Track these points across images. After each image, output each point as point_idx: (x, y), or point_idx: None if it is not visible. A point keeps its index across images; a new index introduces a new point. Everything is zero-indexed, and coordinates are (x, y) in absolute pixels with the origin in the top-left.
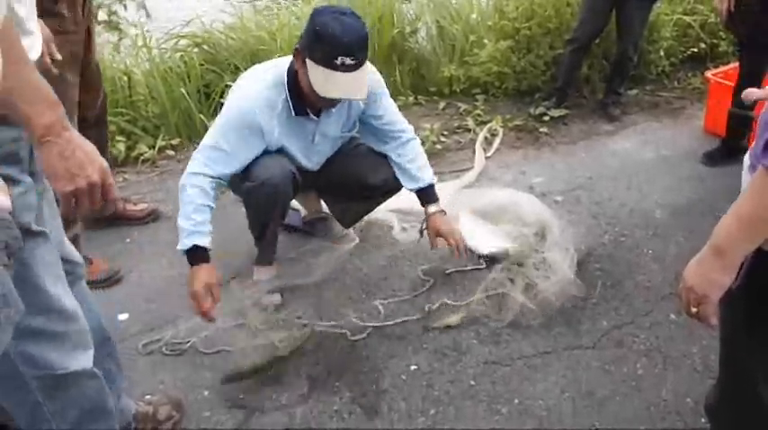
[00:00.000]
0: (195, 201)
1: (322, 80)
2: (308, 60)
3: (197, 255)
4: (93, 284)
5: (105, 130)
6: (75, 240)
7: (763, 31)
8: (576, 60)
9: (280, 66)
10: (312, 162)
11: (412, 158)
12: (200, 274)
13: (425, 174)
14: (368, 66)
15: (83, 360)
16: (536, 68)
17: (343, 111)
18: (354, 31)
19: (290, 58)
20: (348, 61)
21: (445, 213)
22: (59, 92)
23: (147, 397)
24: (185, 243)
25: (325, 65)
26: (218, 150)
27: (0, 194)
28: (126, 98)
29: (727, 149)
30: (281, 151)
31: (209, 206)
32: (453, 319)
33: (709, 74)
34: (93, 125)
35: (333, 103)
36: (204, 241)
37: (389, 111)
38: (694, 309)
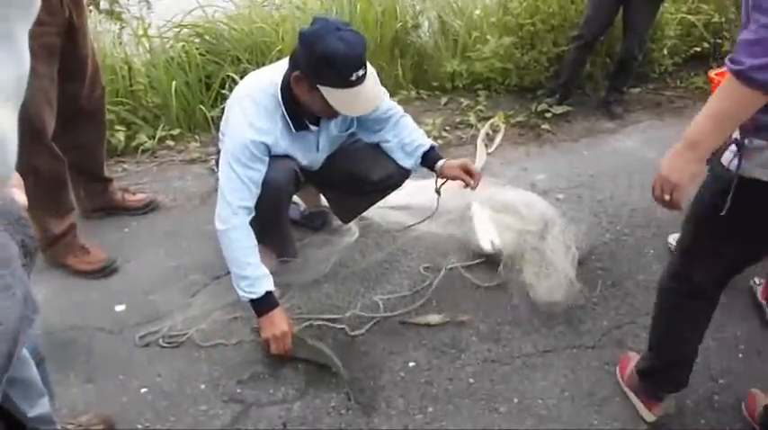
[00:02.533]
0: (244, 244)
1: (344, 101)
2: (321, 87)
3: (266, 299)
4: (91, 274)
5: (102, 123)
6: (71, 229)
7: None
8: (581, 58)
9: (270, 85)
10: (315, 163)
11: (408, 133)
12: (282, 317)
13: (423, 141)
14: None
15: (44, 405)
16: (539, 65)
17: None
18: (357, 43)
19: (276, 70)
20: (360, 73)
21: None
22: (28, 83)
23: (84, 417)
24: (257, 291)
25: (343, 86)
26: (239, 179)
27: (17, 191)
28: (126, 87)
29: None
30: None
31: (255, 244)
32: (433, 319)
33: (712, 73)
34: (87, 116)
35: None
36: (272, 284)
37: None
38: (667, 197)
